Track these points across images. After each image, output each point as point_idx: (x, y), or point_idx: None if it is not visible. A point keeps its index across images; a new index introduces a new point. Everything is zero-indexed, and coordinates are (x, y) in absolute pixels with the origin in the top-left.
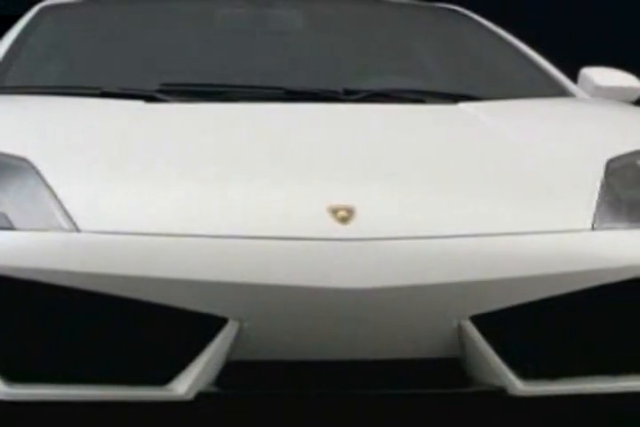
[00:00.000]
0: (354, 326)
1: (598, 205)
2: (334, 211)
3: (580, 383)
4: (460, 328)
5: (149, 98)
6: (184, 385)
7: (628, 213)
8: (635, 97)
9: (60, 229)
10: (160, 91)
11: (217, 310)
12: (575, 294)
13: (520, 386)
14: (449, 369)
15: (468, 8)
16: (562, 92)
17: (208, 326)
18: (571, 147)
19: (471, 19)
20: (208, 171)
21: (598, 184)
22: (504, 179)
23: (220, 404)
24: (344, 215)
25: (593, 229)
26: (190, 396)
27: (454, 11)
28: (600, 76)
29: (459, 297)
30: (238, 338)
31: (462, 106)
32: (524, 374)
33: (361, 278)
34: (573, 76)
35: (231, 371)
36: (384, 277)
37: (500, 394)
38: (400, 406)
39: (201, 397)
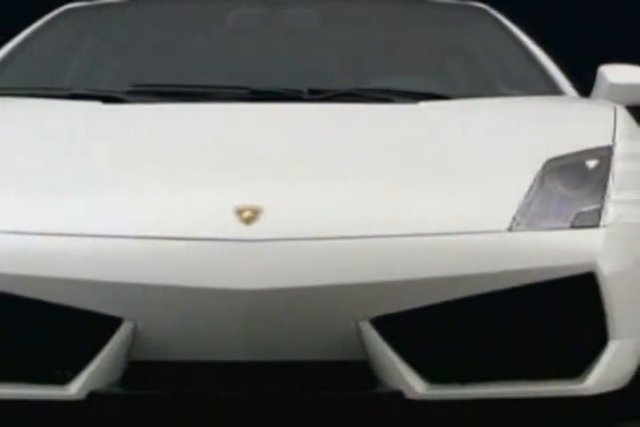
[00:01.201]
0: (248, 328)
1: (523, 206)
2: (240, 211)
3: (488, 388)
4: (359, 330)
5: (111, 99)
6: (77, 385)
7: (558, 214)
8: None
9: None
10: (129, 92)
11: (113, 311)
12: (484, 297)
13: (418, 390)
14: (355, 372)
15: (501, 6)
16: (553, 92)
17: (105, 326)
18: (512, 146)
19: (490, 16)
20: (125, 171)
21: (528, 184)
22: (431, 179)
23: (118, 404)
24: (249, 216)
25: (510, 230)
26: (82, 396)
27: (476, 8)
28: (616, 73)
29: (357, 299)
30: (135, 339)
31: (422, 105)
32: (432, 377)
33: (255, 279)
34: None
35: (132, 371)
36: (279, 278)
37: (397, 397)
38: (302, 408)
39: (94, 397)
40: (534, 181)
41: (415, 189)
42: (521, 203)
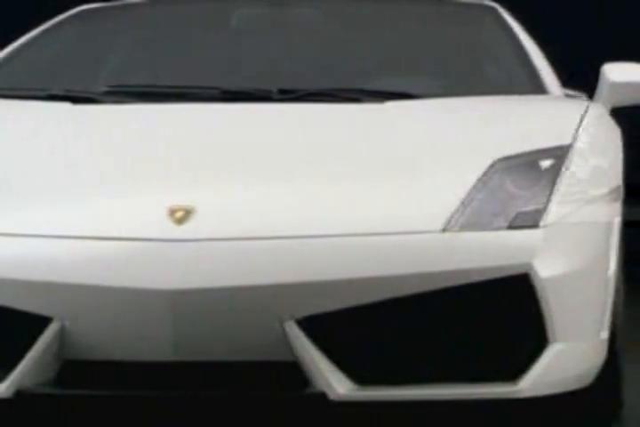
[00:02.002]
0: (174, 328)
1: (462, 206)
2: (173, 211)
3: (420, 390)
4: (284, 331)
5: (87, 100)
6: (6, 384)
7: (498, 214)
8: None
9: None
10: (107, 93)
11: (42, 310)
12: (414, 297)
13: (342, 391)
14: (284, 373)
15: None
16: (536, 91)
17: (34, 325)
18: (462, 146)
19: (494, 15)
20: (62, 171)
21: (472, 184)
22: (373, 179)
23: (47, 403)
24: (181, 216)
25: (444, 230)
26: (9, 394)
27: (482, 7)
28: (617, 71)
29: (282, 299)
30: (64, 338)
31: (388, 105)
32: (361, 379)
33: (180, 279)
34: None
35: (65, 370)
36: (204, 278)
37: (320, 399)
38: (229, 409)
39: (22, 396)
40: (479, 180)
41: (354, 189)
42: (460, 203)
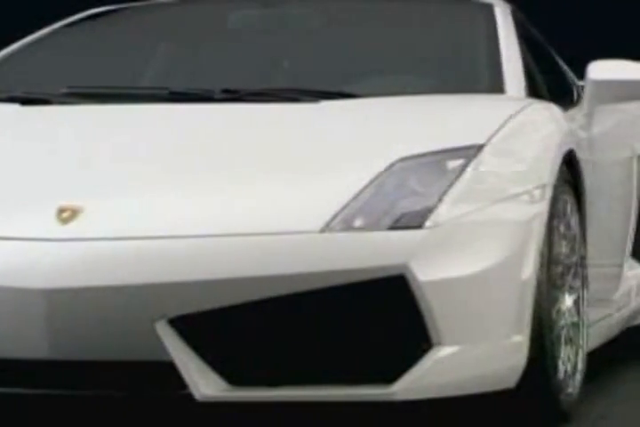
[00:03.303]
0: (49, 326)
1: (348, 206)
2: (61, 211)
3: (295, 391)
4: (157, 330)
5: (41, 101)
6: None
7: (385, 214)
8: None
9: None
10: (66, 94)
11: None
12: (290, 298)
13: (206, 391)
14: (158, 372)
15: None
16: (491, 91)
17: None
18: (367, 145)
19: (486, 13)
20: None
21: (364, 184)
22: (269, 180)
23: None
24: (67, 216)
25: (324, 231)
26: None
27: (478, 4)
28: (600, 69)
29: (154, 299)
30: None
31: (322, 104)
32: (234, 379)
33: (55, 278)
34: None
35: None
36: (77, 277)
37: (186, 399)
38: (101, 408)
39: None
40: (375, 180)
41: (245, 189)
42: (346, 203)
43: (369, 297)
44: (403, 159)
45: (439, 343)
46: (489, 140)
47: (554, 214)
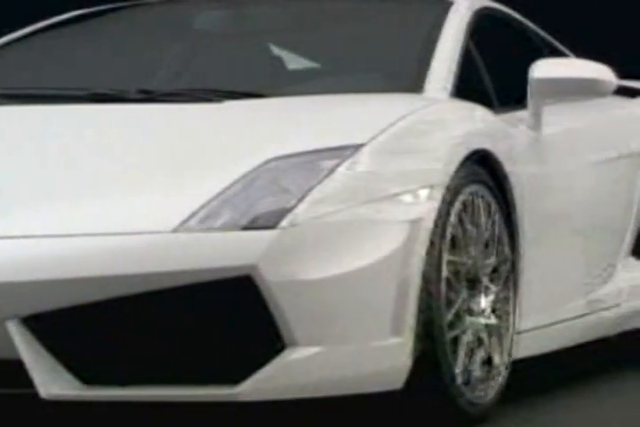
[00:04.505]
0: None
1: (205, 206)
2: None
3: (145, 391)
4: (8, 329)
5: None
6: None
7: (242, 215)
8: (589, 89)
9: None
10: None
11: None
12: (139, 297)
13: (52, 390)
14: (10, 371)
15: None
16: (410, 90)
17: None
18: (241, 145)
19: (439, 10)
20: None
21: (226, 184)
22: (131, 180)
23: None
24: None
25: (176, 231)
26: None
27: (438, 2)
28: (543, 67)
29: (5, 298)
30: None
31: (225, 105)
32: (86, 378)
33: None
34: None
35: None
36: None
37: (32, 398)
38: None
39: None
40: (239, 180)
41: (107, 190)
42: (204, 203)
43: (217, 297)
44: (275, 159)
45: (294, 344)
46: (371, 139)
47: (449, 215)
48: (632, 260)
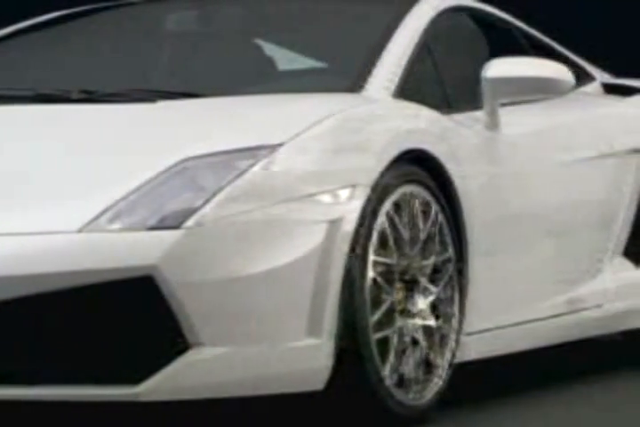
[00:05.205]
0: None
1: (110, 207)
2: None
3: (40, 390)
4: None
5: None
6: None
7: (148, 215)
8: (544, 88)
9: None
10: None
11: None
12: (38, 297)
13: None
14: None
15: None
16: (348, 90)
17: None
18: (155, 145)
19: (400, 11)
20: None
21: (136, 184)
22: (48, 179)
23: None
24: None
25: (80, 231)
26: None
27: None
28: (495, 66)
29: None
30: None
31: (158, 105)
32: None
33: None
34: None
35: None
36: None
37: None
38: None
39: None
40: (151, 180)
41: (19, 189)
42: (113, 203)
43: (120, 297)
44: (192, 158)
45: (199, 345)
46: (291, 139)
47: (376, 215)
48: (622, 260)
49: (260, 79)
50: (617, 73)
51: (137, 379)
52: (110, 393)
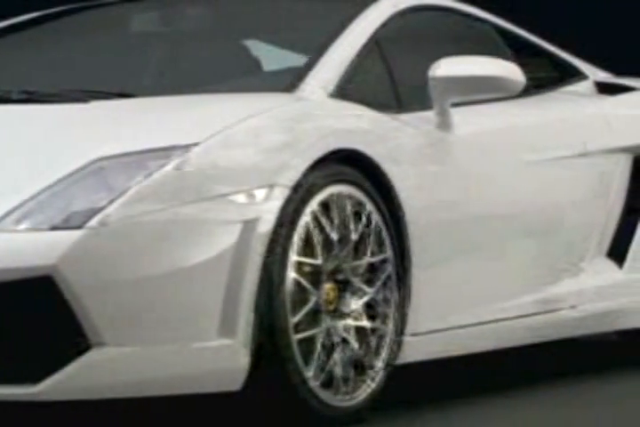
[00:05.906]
0: None
1: (15, 207)
2: None
3: None
4: None
5: None
6: None
7: (53, 215)
8: (493, 87)
9: None
10: None
11: None
12: None
13: None
14: None
15: None
16: (286, 90)
17: None
18: (67, 146)
19: (355, 10)
20: None
21: (44, 184)
22: None
23: None
24: None
25: None
26: None
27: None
28: (443, 65)
29: None
30: None
31: (90, 105)
32: None
33: None
34: None
35: None
36: None
37: None
38: None
39: None
40: (60, 179)
41: None
42: (19, 203)
43: (20, 297)
44: (104, 158)
45: (101, 344)
46: (206, 139)
47: (298, 215)
48: (605, 260)
49: (208, 79)
50: (618, 72)
51: (36, 378)
52: (9, 392)
